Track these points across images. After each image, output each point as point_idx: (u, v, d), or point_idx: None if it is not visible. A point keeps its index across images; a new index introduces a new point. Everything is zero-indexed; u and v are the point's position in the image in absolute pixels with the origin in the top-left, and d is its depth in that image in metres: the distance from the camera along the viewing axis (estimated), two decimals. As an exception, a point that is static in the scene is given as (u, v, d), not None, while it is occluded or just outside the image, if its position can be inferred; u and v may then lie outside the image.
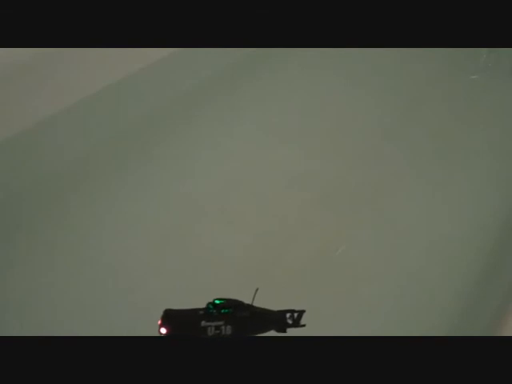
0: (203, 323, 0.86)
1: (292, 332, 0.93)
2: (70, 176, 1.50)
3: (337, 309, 1.25)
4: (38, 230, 1.37)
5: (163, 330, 0.86)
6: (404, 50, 1.73)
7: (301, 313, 0.94)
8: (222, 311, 0.87)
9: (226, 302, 0.88)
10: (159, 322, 0.86)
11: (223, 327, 0.86)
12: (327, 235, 1.43)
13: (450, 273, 1.35)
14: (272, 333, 0.92)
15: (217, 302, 0.88)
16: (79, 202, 1.45)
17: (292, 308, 0.94)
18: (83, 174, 1.52)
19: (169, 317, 0.87)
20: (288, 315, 0.93)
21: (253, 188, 1.54)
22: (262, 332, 0.92)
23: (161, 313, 0.87)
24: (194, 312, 0.88)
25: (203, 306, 0.88)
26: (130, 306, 1.21)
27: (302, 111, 1.82)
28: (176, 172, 1.57)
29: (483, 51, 2.07)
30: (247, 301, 0.90)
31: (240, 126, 1.72)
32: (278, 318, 0.93)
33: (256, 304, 0.91)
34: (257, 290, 0.91)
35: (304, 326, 0.93)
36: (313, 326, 1.22)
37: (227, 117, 1.76)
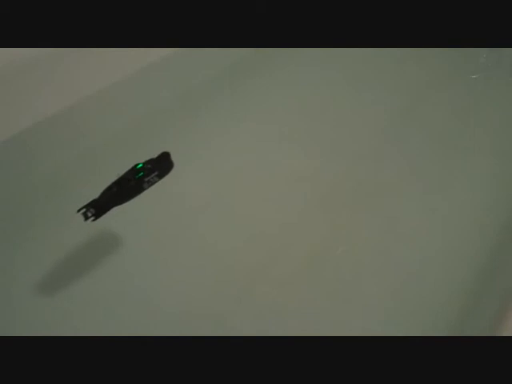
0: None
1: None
2: (70, 176, 1.50)
3: (337, 309, 1.25)
4: (38, 229, 1.37)
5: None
6: (404, 49, 1.73)
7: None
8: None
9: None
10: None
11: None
12: (327, 235, 1.43)
13: (449, 273, 1.35)
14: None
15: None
16: (79, 202, 1.45)
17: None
18: (83, 173, 1.52)
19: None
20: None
21: (253, 188, 1.54)
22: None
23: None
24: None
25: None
26: (129, 306, 1.22)
27: (302, 111, 1.82)
28: (176, 171, 1.56)
29: (483, 51, 2.07)
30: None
31: (240, 126, 1.72)
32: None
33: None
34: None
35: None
36: (313, 326, 1.22)
37: (227, 116, 1.76)
